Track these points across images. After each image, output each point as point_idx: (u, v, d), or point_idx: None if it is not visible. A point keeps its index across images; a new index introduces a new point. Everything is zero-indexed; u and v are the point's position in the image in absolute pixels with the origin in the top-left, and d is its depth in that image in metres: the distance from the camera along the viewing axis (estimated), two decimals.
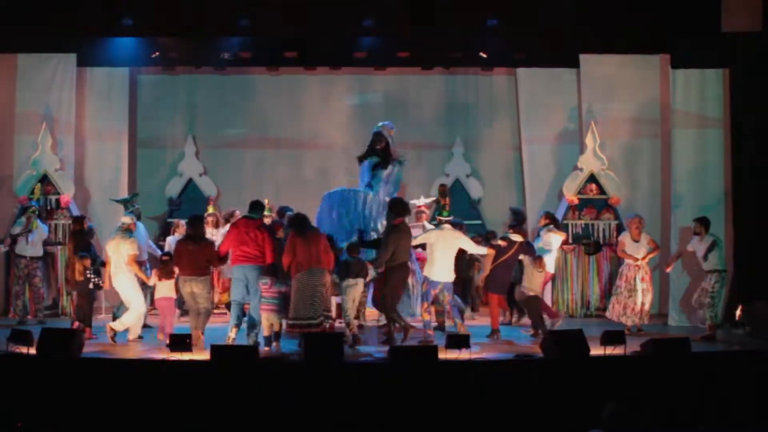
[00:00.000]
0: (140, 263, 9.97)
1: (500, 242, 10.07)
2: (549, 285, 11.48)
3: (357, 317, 9.85)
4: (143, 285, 9.82)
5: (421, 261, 10.29)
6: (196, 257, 9.27)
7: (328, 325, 9.35)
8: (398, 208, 9.59)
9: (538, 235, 10.76)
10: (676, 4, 11.46)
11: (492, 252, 10.03)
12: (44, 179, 11.91)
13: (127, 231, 9.72)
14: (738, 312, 10.76)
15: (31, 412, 7.66)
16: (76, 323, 9.72)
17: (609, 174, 12.14)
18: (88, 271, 9.72)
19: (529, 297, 10.01)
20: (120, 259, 9.57)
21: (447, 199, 10.29)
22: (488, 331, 10.03)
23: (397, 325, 9.48)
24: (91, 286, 9.76)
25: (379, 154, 11.12)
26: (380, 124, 11.29)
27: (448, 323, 10.11)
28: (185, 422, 7.73)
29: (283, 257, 9.14)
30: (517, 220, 10.78)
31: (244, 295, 9.14)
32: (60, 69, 12.14)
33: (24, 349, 8.25)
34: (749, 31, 11.27)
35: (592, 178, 12.16)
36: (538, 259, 10.02)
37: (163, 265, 9.64)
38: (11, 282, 11.50)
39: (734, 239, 11.45)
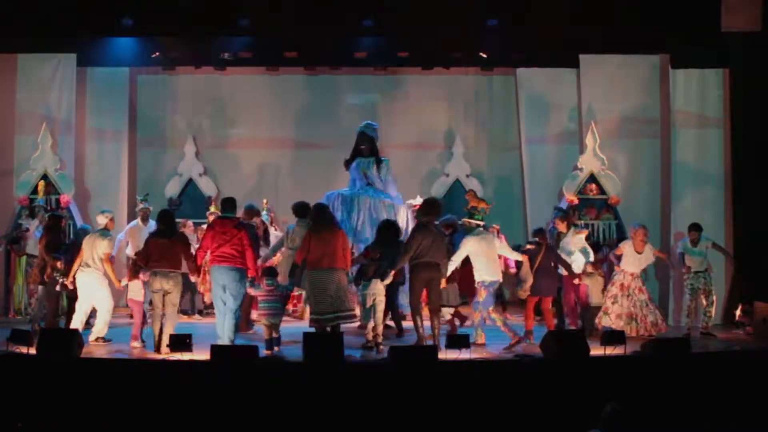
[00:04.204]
0: None
1: (529, 246, 9.88)
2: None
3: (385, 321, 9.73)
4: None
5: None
6: (167, 251, 8.99)
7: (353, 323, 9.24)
8: (426, 207, 9.45)
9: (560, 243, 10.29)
10: (676, 4, 11.46)
11: (526, 258, 9.77)
12: (44, 179, 11.92)
13: (104, 230, 9.61)
14: (738, 312, 10.77)
15: (31, 412, 7.66)
16: (36, 325, 9.64)
17: (609, 174, 12.14)
18: (56, 273, 9.61)
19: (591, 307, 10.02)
20: (93, 256, 9.42)
21: (483, 202, 10.14)
22: (521, 332, 9.92)
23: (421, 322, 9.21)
24: (57, 287, 9.62)
25: (365, 153, 11.19)
26: (364, 123, 11.34)
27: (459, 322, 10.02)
28: (185, 422, 7.72)
29: (296, 254, 9.10)
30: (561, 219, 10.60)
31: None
32: (60, 69, 12.15)
33: (24, 349, 8.25)
34: (749, 31, 11.27)
35: (592, 178, 12.16)
36: (590, 265, 9.92)
37: (133, 264, 9.42)
38: (11, 281, 11.52)
39: (734, 239, 11.45)
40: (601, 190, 12.16)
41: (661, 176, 12.38)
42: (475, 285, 9.35)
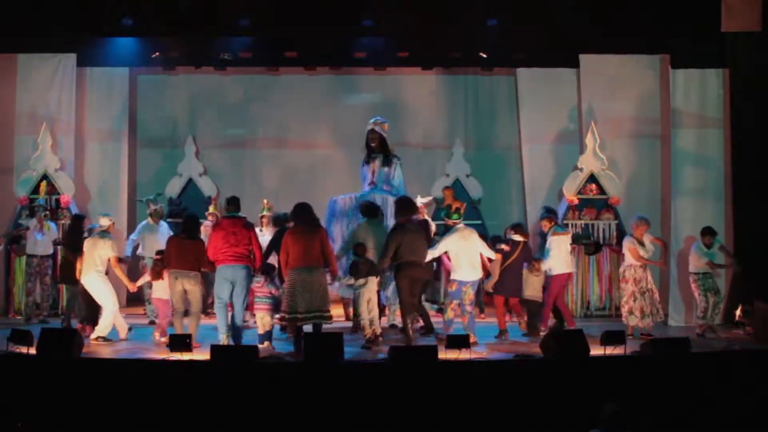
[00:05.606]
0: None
1: (504, 246, 9.99)
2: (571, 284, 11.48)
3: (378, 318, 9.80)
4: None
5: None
6: (185, 253, 9.11)
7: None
8: (402, 207, 9.55)
9: (544, 240, 10.49)
10: (676, 4, 11.44)
11: (499, 257, 9.92)
12: (44, 179, 11.91)
13: (105, 232, 9.67)
14: (738, 312, 10.77)
15: (31, 412, 7.66)
16: (79, 325, 9.79)
17: (609, 174, 12.14)
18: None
19: (530, 301, 10.10)
20: (93, 259, 9.49)
21: (461, 202, 10.25)
22: (495, 331, 9.99)
23: (412, 323, 9.40)
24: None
25: (374, 151, 11.15)
26: (372, 120, 11.30)
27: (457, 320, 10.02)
28: (185, 422, 7.73)
29: (281, 252, 9.13)
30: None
31: (229, 296, 9.02)
32: (60, 69, 12.14)
33: (24, 349, 8.26)
34: (749, 31, 11.25)
35: (592, 178, 12.15)
36: (534, 262, 10.01)
37: (154, 265, 9.62)
38: (11, 281, 11.53)
39: (734, 239, 11.44)
40: (601, 190, 12.15)
41: (661, 176, 12.39)
42: (450, 280, 9.50)
